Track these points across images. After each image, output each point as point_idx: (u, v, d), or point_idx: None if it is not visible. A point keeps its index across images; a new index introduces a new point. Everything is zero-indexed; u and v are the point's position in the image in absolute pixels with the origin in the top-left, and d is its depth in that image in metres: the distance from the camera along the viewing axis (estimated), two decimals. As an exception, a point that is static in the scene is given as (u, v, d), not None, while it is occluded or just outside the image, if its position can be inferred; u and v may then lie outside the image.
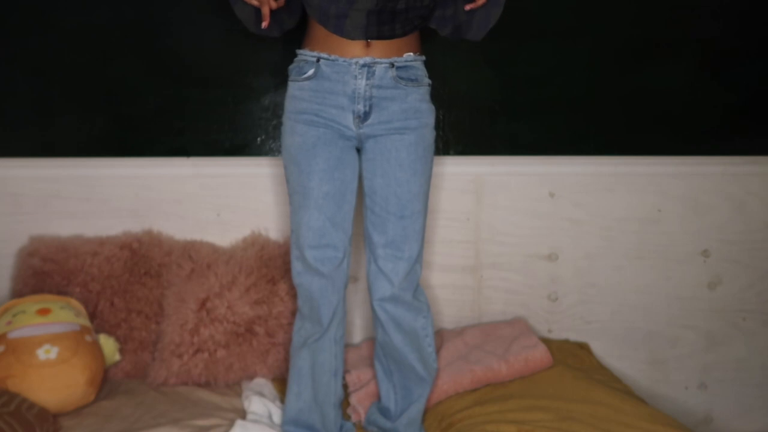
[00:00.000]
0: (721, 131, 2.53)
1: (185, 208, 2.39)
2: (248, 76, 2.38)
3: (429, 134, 1.90)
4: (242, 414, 2.03)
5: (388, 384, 2.03)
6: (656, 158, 2.51)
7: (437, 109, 1.99)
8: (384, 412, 2.04)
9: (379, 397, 2.08)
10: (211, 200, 2.40)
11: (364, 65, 1.81)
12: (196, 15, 2.33)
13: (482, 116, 2.41)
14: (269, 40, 2.16)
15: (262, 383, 2.22)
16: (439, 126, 2.33)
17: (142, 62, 2.35)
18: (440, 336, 2.36)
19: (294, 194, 1.90)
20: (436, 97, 1.98)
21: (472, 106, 2.44)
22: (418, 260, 1.92)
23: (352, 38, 1.81)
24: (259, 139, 2.42)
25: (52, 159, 2.36)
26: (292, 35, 1.98)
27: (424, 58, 1.92)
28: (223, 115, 2.39)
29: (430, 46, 2.08)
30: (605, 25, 2.44)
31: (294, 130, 1.88)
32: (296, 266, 1.91)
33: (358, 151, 1.92)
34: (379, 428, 2.04)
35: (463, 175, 2.45)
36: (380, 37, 1.81)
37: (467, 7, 1.89)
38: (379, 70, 1.82)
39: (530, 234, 2.49)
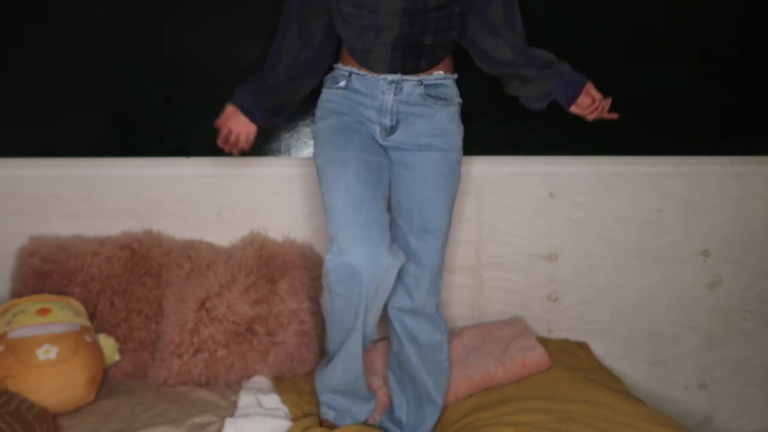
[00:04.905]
0: (721, 131, 2.53)
1: (185, 208, 2.39)
2: (248, 77, 2.37)
3: (455, 156, 1.94)
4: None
5: (401, 396, 2.03)
6: (656, 158, 2.50)
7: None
8: (396, 422, 2.03)
9: (388, 407, 2.08)
10: (211, 200, 2.40)
11: (392, 81, 1.84)
12: (196, 15, 2.33)
13: (482, 116, 2.41)
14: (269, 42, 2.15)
15: (262, 382, 2.22)
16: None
17: (142, 62, 2.35)
18: (440, 336, 2.35)
19: (328, 170, 1.83)
20: (435, 97, 1.97)
21: (473, 106, 2.43)
22: (439, 274, 1.94)
23: (377, 71, 1.84)
24: (259, 139, 2.41)
25: (52, 159, 2.36)
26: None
27: (455, 76, 1.94)
28: (223, 115, 2.39)
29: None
30: (605, 25, 2.43)
31: (330, 117, 1.90)
32: (336, 245, 1.76)
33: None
34: None
35: (463, 176, 2.41)
36: (404, 71, 1.84)
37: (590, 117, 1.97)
38: (407, 86, 1.85)
39: (530, 234, 2.49)
